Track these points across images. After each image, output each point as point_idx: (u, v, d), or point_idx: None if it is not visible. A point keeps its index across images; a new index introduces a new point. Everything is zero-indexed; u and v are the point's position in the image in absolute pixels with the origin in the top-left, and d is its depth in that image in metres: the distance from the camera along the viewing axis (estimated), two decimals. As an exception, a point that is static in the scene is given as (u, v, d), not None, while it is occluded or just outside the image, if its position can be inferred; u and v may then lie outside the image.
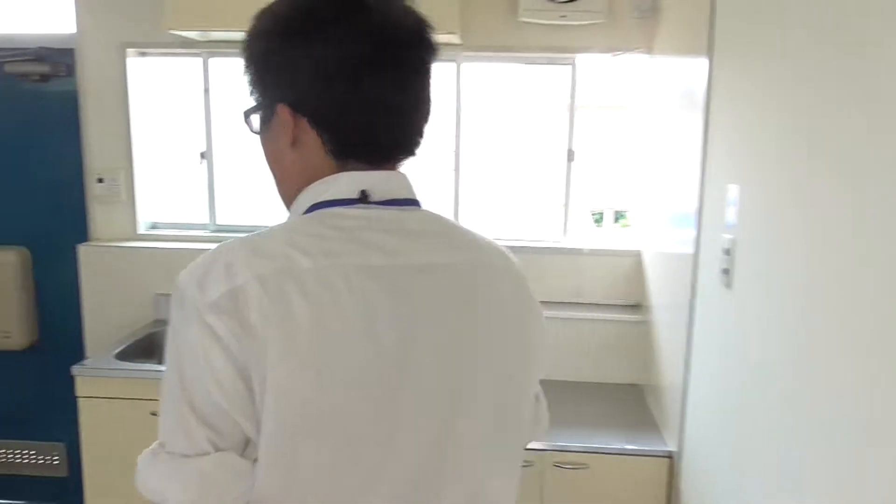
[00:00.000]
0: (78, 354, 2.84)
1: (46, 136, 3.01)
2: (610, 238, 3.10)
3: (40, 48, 2.93)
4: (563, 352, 2.85)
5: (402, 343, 0.86)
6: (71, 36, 2.92)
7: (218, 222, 3.08)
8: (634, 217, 3.01)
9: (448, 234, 0.97)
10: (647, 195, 2.80)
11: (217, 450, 0.83)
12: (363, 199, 0.90)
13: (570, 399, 2.70)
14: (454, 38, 2.59)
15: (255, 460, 0.84)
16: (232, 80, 3.00)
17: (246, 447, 0.85)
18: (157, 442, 0.87)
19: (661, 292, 2.57)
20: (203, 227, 3.08)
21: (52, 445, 3.15)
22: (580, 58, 2.80)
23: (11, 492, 3.19)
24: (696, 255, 2.07)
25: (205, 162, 3.02)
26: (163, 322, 2.91)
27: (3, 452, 3.18)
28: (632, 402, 2.70)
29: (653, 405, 2.60)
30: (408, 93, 0.92)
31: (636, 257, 2.86)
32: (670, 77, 2.48)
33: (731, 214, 1.78)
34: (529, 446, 1.29)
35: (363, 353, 0.84)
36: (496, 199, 3.05)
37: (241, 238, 0.88)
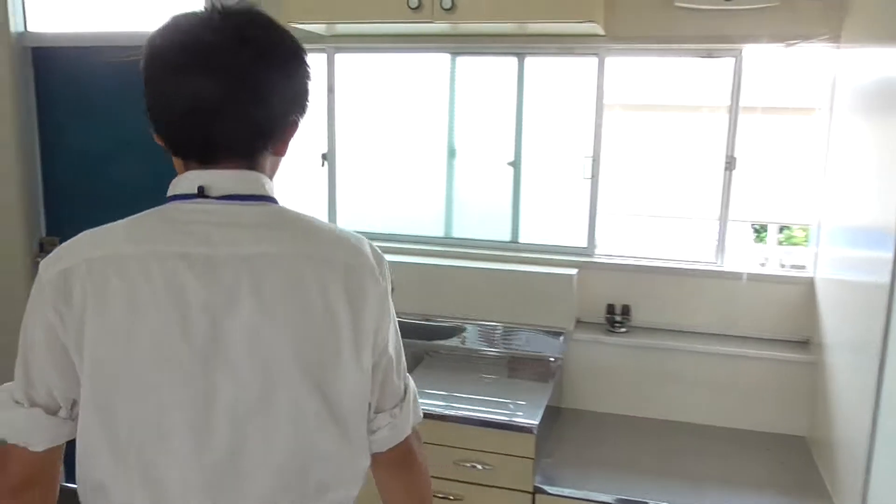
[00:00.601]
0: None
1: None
2: (773, 256, 2.68)
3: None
4: (712, 392, 2.45)
5: (213, 322, 0.99)
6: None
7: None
8: (804, 234, 2.56)
9: (285, 227, 1.08)
10: (825, 210, 2.35)
11: (32, 405, 1.03)
12: (201, 193, 1.03)
13: (716, 449, 2.30)
14: (595, 28, 2.28)
15: (74, 418, 1.04)
16: (358, 76, 2.84)
17: (71, 406, 1.04)
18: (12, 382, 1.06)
19: (840, 328, 2.12)
20: (322, 232, 2.94)
21: None
22: (747, 49, 2.39)
23: None
24: (892, 285, 1.65)
25: (326, 164, 2.88)
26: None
27: None
28: (795, 458, 2.26)
29: (822, 465, 2.16)
30: (224, 92, 1.01)
31: (807, 285, 2.41)
32: (863, 70, 2.05)
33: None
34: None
35: (171, 331, 0.98)
36: (640, 211, 2.70)
37: (91, 229, 1.05)
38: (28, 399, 1.04)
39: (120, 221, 1.05)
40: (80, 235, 1.04)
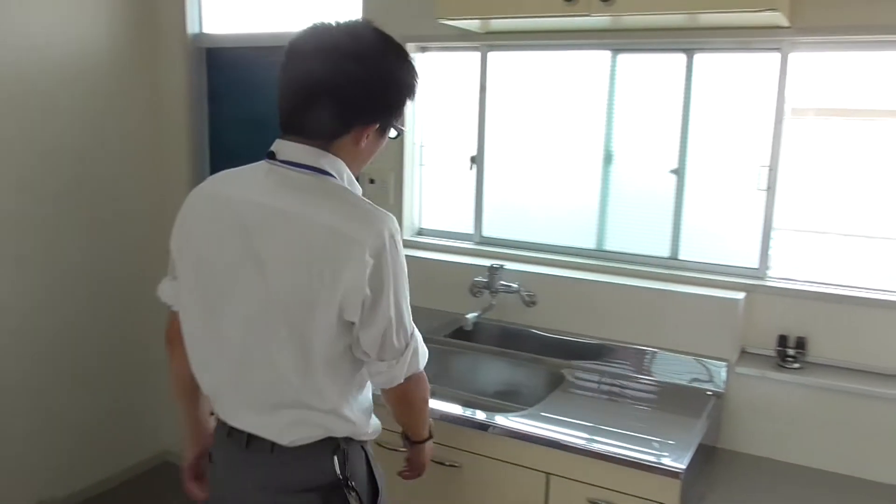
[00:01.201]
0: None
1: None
2: None
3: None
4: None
5: (241, 247, 1.37)
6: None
7: (484, 234, 2.80)
8: None
9: (317, 196, 1.37)
10: None
11: (174, 279, 1.53)
12: (270, 156, 1.41)
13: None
14: (778, 18, 1.98)
15: None
16: (511, 76, 2.69)
17: None
18: None
19: None
20: (468, 237, 2.83)
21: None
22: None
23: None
24: None
25: (475, 167, 2.76)
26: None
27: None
28: None
29: None
30: (302, 85, 1.37)
31: None
32: None
33: None
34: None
35: (211, 247, 1.40)
36: (826, 229, 2.34)
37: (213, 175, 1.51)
38: (172, 276, 1.52)
39: (232, 170, 1.49)
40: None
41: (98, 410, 3.42)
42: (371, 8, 2.80)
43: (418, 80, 1.48)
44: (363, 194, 1.44)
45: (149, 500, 3.44)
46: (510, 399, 2.46)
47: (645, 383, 2.34)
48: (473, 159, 2.76)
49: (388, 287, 1.35)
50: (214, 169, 3.36)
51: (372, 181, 2.87)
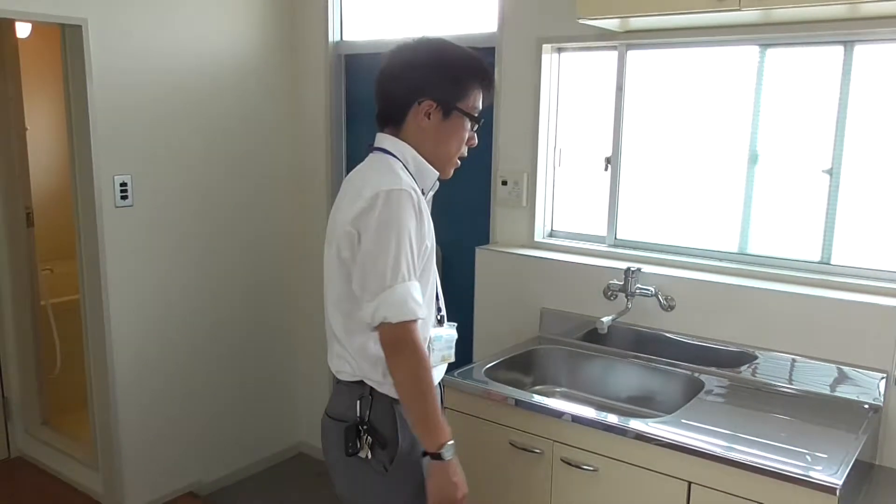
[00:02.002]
0: (468, 359, 2.77)
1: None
2: None
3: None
4: None
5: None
6: (492, 35, 2.88)
7: (618, 236, 2.74)
8: None
9: (365, 164, 1.76)
10: None
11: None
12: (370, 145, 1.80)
13: None
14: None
15: None
16: (649, 75, 2.63)
17: None
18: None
19: None
20: (601, 239, 2.78)
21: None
22: None
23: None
24: None
25: (610, 168, 2.71)
26: (546, 339, 2.69)
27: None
28: None
29: None
30: (376, 85, 1.79)
31: None
32: None
33: None
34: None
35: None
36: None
37: None
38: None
39: None
40: None
41: (243, 403, 3.62)
42: (506, 10, 2.81)
43: (479, 65, 1.75)
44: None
45: (284, 487, 3.60)
46: (644, 405, 2.40)
47: (792, 394, 2.22)
48: (608, 160, 2.71)
49: (371, 229, 1.59)
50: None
51: (504, 182, 2.88)
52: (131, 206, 3.03)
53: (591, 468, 2.02)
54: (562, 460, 2.07)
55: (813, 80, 2.31)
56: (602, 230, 2.77)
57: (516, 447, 2.16)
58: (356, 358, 1.70)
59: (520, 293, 2.79)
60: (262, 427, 3.73)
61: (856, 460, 1.81)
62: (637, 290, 2.45)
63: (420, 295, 1.63)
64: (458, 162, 1.82)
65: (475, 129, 1.79)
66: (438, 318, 1.84)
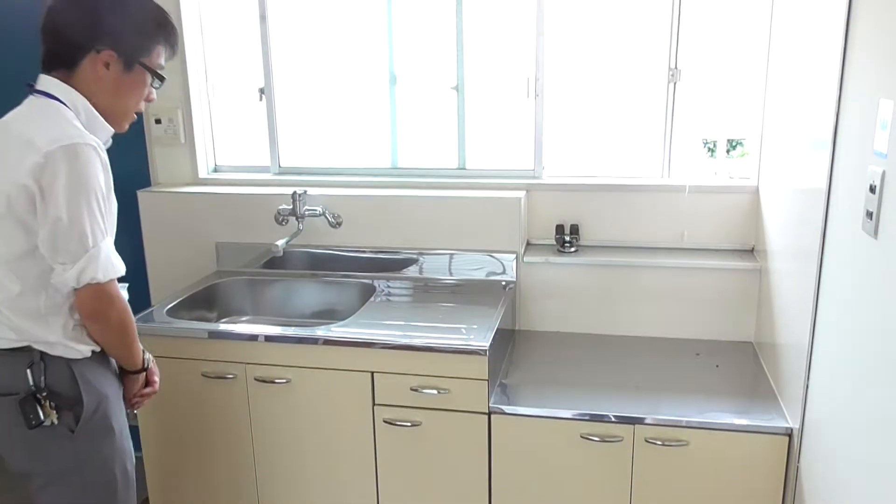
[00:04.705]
0: (145, 304, 2.70)
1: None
2: (721, 171, 2.67)
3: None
4: (664, 305, 2.49)
5: None
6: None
7: (282, 164, 2.86)
8: (752, 146, 2.57)
9: (30, 111, 1.58)
10: (769, 118, 2.36)
11: None
12: (31, 88, 1.63)
13: (668, 360, 2.35)
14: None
15: None
16: (291, 3, 2.72)
17: None
18: None
19: (782, 235, 2.16)
20: (266, 169, 2.87)
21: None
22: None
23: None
24: (829, 190, 1.66)
25: (264, 98, 2.79)
26: (225, 273, 2.74)
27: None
28: (743, 363, 2.33)
29: (769, 367, 2.22)
30: (53, 26, 1.60)
31: (752, 194, 2.44)
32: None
33: (881, 140, 1.37)
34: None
35: None
36: (588, 130, 2.67)
37: None
38: None
39: None
40: None
41: None
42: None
43: (166, 22, 1.67)
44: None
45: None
46: (328, 318, 2.60)
47: (448, 284, 2.58)
48: (262, 91, 2.78)
49: (61, 188, 1.48)
50: None
51: (158, 121, 2.80)
52: None
53: (284, 380, 2.18)
54: (255, 379, 2.19)
55: (435, 5, 2.61)
56: (266, 161, 2.86)
57: (209, 377, 2.22)
58: (24, 321, 1.60)
59: (191, 231, 2.78)
60: None
61: (498, 328, 2.20)
62: (306, 212, 2.60)
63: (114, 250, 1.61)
64: (135, 116, 1.73)
65: (157, 85, 1.71)
66: None
